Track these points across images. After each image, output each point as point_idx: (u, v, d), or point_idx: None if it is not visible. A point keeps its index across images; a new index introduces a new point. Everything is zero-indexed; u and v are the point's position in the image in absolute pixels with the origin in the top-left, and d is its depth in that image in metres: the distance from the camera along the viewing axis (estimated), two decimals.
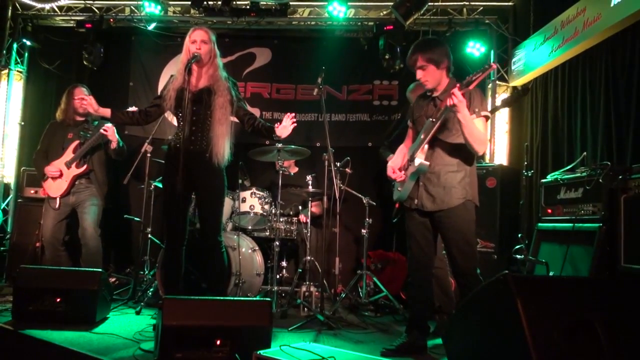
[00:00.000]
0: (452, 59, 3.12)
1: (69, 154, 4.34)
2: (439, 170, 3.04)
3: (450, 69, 3.12)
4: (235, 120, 3.56)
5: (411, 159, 3.08)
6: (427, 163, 3.01)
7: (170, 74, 3.65)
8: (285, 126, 3.29)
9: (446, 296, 3.70)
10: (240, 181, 4.71)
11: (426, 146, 3.03)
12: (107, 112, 3.50)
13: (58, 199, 4.31)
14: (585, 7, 4.08)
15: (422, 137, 3.05)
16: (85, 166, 4.33)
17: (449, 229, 3.02)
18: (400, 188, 3.20)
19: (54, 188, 4.33)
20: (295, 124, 3.33)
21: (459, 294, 3.25)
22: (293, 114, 3.32)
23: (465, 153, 3.06)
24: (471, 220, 3.05)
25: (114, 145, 4.35)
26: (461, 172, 3.05)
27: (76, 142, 4.35)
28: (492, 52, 5.69)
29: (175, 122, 3.52)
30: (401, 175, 3.21)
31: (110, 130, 4.23)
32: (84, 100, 3.48)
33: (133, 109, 3.75)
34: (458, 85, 2.80)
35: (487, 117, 3.02)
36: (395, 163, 3.33)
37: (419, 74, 3.08)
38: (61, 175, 4.31)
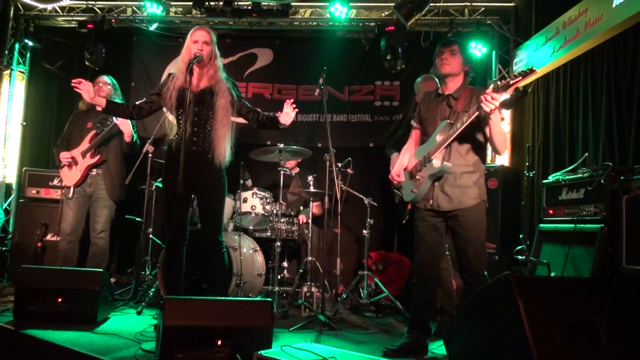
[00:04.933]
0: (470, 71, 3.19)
1: (85, 144, 4.38)
2: (456, 170, 3.03)
3: (469, 76, 3.16)
4: (237, 121, 3.57)
5: (428, 160, 3.06)
6: (450, 165, 3.00)
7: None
8: (287, 113, 3.31)
9: (448, 297, 3.69)
10: (241, 181, 4.71)
11: (444, 149, 3.01)
12: (102, 102, 3.47)
13: (72, 189, 4.34)
14: (587, 8, 4.07)
15: (438, 138, 3.02)
16: (98, 156, 4.36)
17: (464, 229, 3.01)
18: (415, 189, 3.16)
19: (69, 177, 4.37)
20: (297, 110, 3.34)
21: (461, 294, 3.24)
22: (292, 100, 3.34)
23: (480, 153, 3.08)
24: (484, 221, 3.07)
25: (127, 138, 4.38)
26: (477, 173, 3.06)
27: (93, 132, 4.39)
28: (493, 52, 5.68)
29: (176, 122, 3.52)
30: (402, 180, 3.26)
31: (121, 120, 4.25)
32: (80, 83, 3.44)
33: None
34: (492, 88, 2.74)
35: (502, 118, 3.00)
36: (402, 165, 3.33)
37: (447, 54, 3.07)
38: (76, 163, 4.34)
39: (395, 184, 3.34)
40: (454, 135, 2.95)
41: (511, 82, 2.68)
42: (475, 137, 3.05)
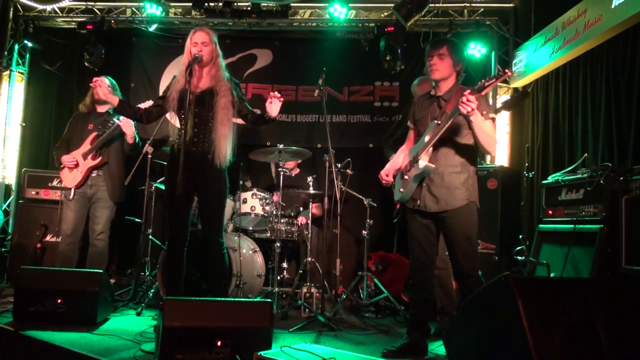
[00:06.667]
0: (465, 69, 3.16)
1: (86, 145, 4.37)
2: (443, 171, 3.04)
3: (461, 75, 3.15)
4: (238, 121, 3.57)
5: (415, 161, 3.07)
6: (433, 166, 3.00)
7: (172, 74, 3.67)
8: (273, 102, 3.26)
9: (448, 297, 3.69)
10: (241, 182, 4.71)
11: (431, 149, 3.02)
12: (115, 100, 3.45)
13: (73, 190, 4.34)
14: (586, 9, 4.08)
15: (426, 139, 3.02)
16: (100, 158, 4.36)
17: (452, 230, 3.01)
18: (402, 189, 3.19)
19: (70, 179, 4.36)
20: (282, 100, 3.28)
21: (460, 295, 3.24)
22: (276, 92, 3.30)
23: (469, 154, 3.07)
24: (474, 222, 3.05)
25: (129, 139, 4.39)
26: (465, 174, 3.05)
27: (94, 134, 4.38)
28: (493, 53, 5.69)
29: (177, 124, 3.53)
30: (389, 180, 3.28)
31: (124, 122, 4.26)
32: (97, 80, 3.47)
33: (147, 104, 3.77)
34: (469, 90, 2.77)
35: (493, 119, 3.02)
36: (394, 165, 3.34)
37: (435, 59, 3.07)
38: (77, 165, 4.35)
39: (384, 183, 3.34)
40: (437, 136, 2.95)
41: (486, 84, 2.74)
42: (463, 137, 3.05)
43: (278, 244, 4.47)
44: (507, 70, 2.77)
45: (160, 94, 3.68)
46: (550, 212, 3.83)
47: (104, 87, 3.42)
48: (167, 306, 2.52)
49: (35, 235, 4.99)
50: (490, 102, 5.56)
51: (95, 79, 3.49)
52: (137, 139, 4.48)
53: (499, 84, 5.51)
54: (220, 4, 5.45)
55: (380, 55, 5.57)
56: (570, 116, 4.45)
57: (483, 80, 2.75)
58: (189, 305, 2.62)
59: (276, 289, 4.32)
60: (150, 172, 4.62)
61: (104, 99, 3.48)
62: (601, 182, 3.30)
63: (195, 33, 3.37)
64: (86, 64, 5.73)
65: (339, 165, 4.55)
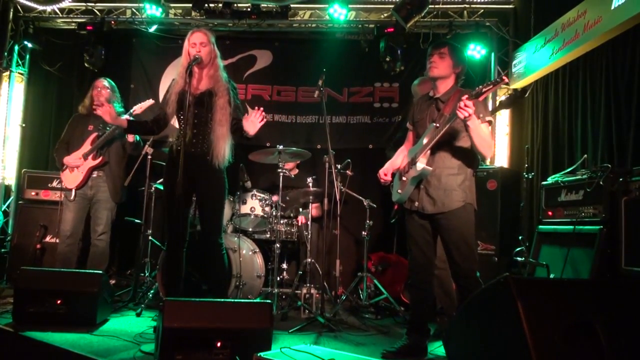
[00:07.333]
0: (465, 73, 3.17)
1: (87, 146, 4.40)
2: (440, 173, 3.05)
3: (461, 78, 3.17)
4: None
5: (413, 163, 3.08)
6: (430, 168, 3.02)
7: (171, 75, 3.67)
8: (253, 122, 3.22)
9: (448, 298, 3.68)
10: (240, 183, 4.71)
11: (428, 151, 3.03)
12: (123, 122, 3.47)
13: (74, 191, 4.35)
14: (586, 10, 4.08)
15: (424, 141, 3.04)
16: (100, 158, 4.38)
17: (449, 232, 3.02)
18: (400, 190, 3.20)
19: (70, 179, 4.38)
20: (264, 120, 3.24)
21: (459, 295, 3.25)
22: (262, 108, 3.24)
23: (466, 156, 3.07)
24: (471, 223, 3.05)
25: (130, 138, 4.41)
26: (461, 175, 3.06)
27: (94, 135, 4.41)
28: (492, 54, 5.69)
29: (177, 125, 3.53)
30: (388, 179, 3.29)
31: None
32: (102, 104, 3.48)
33: (147, 103, 3.71)
34: (467, 95, 2.79)
35: (490, 122, 3.04)
36: (393, 164, 3.35)
37: (435, 57, 3.10)
38: (77, 166, 4.37)
39: (382, 182, 3.35)
40: (435, 139, 2.97)
41: (483, 89, 2.76)
42: (460, 140, 3.06)
43: (278, 245, 4.48)
44: (504, 77, 2.81)
45: (160, 95, 3.68)
46: (550, 213, 3.84)
47: (111, 112, 3.39)
48: (166, 307, 2.52)
49: (35, 236, 4.99)
50: (490, 103, 5.58)
51: (97, 103, 3.46)
52: (138, 138, 4.49)
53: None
54: (220, 5, 5.45)
55: (380, 56, 5.57)
56: (570, 117, 4.45)
57: (481, 86, 2.78)
58: (189, 306, 2.61)
59: (276, 290, 4.32)
60: (150, 173, 4.62)
61: (113, 123, 3.48)
62: (601, 183, 3.30)
63: (193, 34, 3.37)
64: (86, 64, 5.74)
65: (339, 166, 4.55)
